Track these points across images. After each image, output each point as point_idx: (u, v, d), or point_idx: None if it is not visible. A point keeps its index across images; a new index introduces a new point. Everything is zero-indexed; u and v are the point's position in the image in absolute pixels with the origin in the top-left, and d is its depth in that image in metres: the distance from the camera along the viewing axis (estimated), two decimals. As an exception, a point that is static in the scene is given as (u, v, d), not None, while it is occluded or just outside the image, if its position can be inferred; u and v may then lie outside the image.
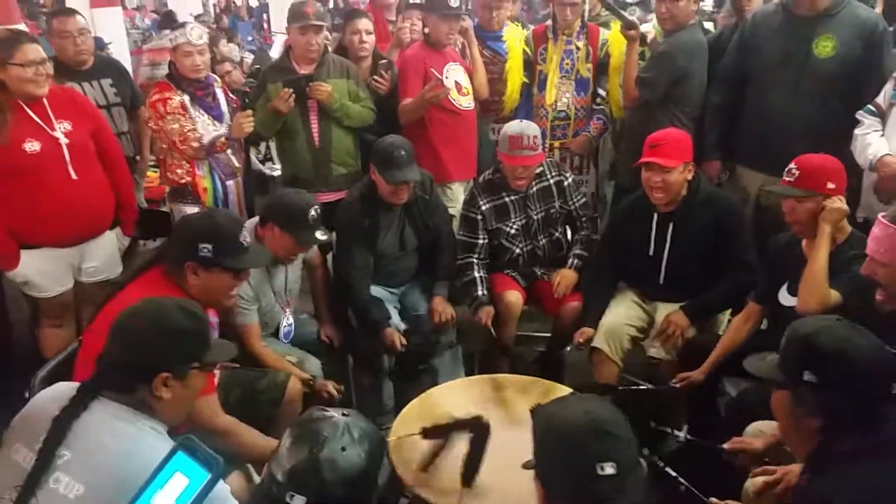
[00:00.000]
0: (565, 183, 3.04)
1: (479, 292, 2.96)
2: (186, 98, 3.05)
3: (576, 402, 1.30)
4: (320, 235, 2.57)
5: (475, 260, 3.01)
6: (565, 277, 2.98)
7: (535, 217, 3.03)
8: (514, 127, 2.87)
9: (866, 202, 2.73)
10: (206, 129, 3.08)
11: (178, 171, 3.06)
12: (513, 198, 2.99)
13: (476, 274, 2.99)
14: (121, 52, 6.50)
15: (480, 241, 3.02)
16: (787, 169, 2.23)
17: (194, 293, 1.90)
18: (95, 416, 1.37)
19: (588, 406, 1.24)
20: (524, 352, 3.30)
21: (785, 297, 2.30)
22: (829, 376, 1.36)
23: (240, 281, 2.04)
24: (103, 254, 2.93)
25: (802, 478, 1.50)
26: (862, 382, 1.34)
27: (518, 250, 3.07)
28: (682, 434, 2.75)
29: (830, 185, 2.16)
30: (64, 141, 2.65)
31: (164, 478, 0.87)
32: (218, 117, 3.16)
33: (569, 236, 3.17)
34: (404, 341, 2.81)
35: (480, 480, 1.84)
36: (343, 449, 1.12)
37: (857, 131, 2.69)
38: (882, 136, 2.62)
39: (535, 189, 3.00)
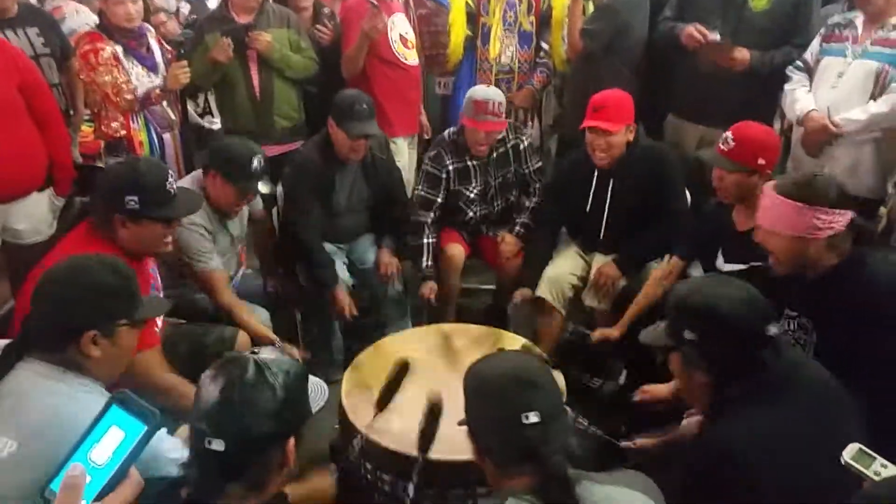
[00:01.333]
0: (521, 146, 3.05)
1: (426, 263, 2.98)
2: (119, 49, 2.92)
3: (500, 357, 1.35)
4: (263, 187, 2.53)
5: (428, 221, 3.01)
6: (509, 243, 3.03)
7: (493, 183, 3.05)
8: (479, 92, 2.86)
9: (795, 155, 2.83)
10: (141, 80, 2.97)
11: (113, 124, 2.95)
12: (475, 163, 3.00)
13: (426, 240, 3.00)
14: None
15: (439, 200, 3.02)
16: (723, 137, 2.26)
17: (126, 245, 1.87)
18: (23, 375, 1.36)
19: (511, 360, 1.31)
20: (470, 304, 3.35)
21: (721, 264, 2.37)
22: (706, 331, 1.44)
23: (171, 229, 2.00)
24: (31, 215, 2.80)
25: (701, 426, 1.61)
26: (736, 331, 1.42)
27: (472, 213, 3.10)
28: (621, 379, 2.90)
29: (761, 161, 2.19)
30: None
31: (100, 432, 0.86)
32: (152, 68, 3.04)
33: (522, 200, 3.21)
34: (355, 312, 2.83)
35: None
36: (254, 386, 1.12)
37: (786, 86, 2.77)
38: (809, 91, 2.71)
39: (495, 155, 3.01)
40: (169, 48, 3.19)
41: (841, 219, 1.72)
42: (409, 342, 2.43)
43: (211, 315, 2.48)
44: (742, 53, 2.83)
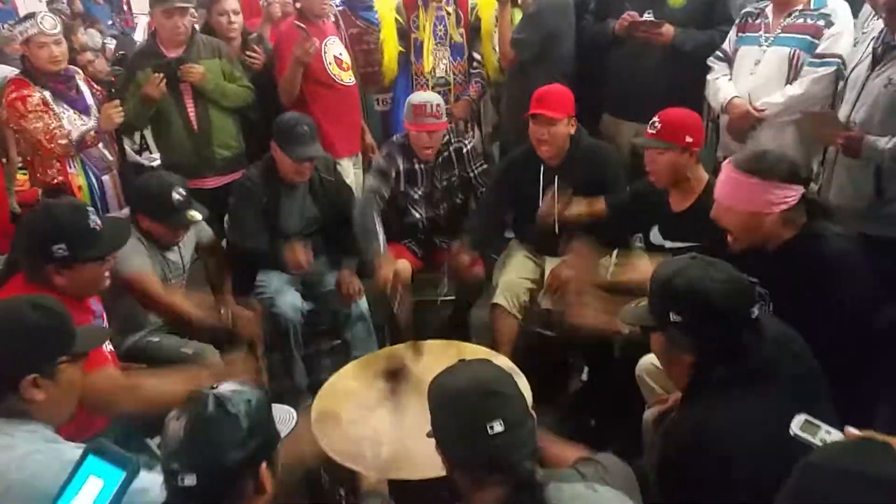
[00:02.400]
0: (465, 149, 3.11)
1: (379, 242, 2.92)
2: (47, 93, 2.88)
3: (462, 368, 1.34)
4: (194, 215, 2.50)
5: (374, 207, 2.99)
6: (462, 259, 3.01)
7: (438, 185, 3.10)
8: (417, 96, 2.96)
9: (724, 142, 2.96)
10: (73, 124, 2.92)
11: (49, 171, 2.90)
12: (422, 166, 3.06)
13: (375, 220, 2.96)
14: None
15: (386, 194, 3.04)
16: (650, 122, 2.35)
17: (66, 292, 1.82)
18: None
19: (473, 371, 1.31)
20: (431, 318, 3.38)
21: (657, 238, 2.46)
22: (691, 314, 1.45)
23: (107, 264, 1.95)
24: None
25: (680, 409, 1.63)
26: (720, 314, 1.43)
27: (418, 215, 3.14)
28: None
29: (689, 139, 2.27)
30: None
31: (79, 483, 0.87)
32: (84, 110, 3.00)
33: (469, 204, 3.26)
34: (310, 258, 2.81)
35: (398, 447, 1.91)
36: (215, 420, 1.14)
37: (708, 76, 2.90)
38: (730, 79, 2.83)
39: (440, 159, 3.06)
40: (98, 88, 3.15)
41: (793, 193, 1.79)
42: (368, 366, 2.42)
43: (174, 358, 2.44)
44: (667, 28, 2.98)
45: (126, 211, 2.58)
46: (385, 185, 3.04)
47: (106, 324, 2.08)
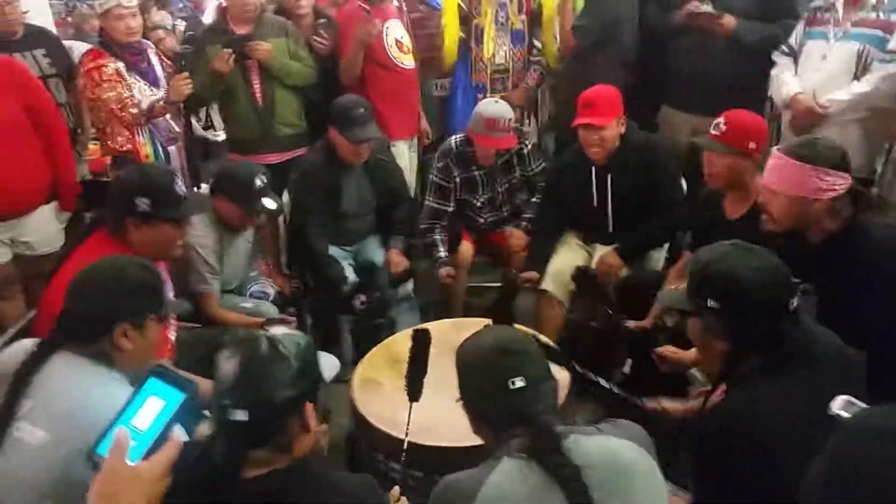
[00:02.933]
0: (525, 150, 3.10)
1: (441, 253, 3.05)
2: (121, 64, 3.00)
3: (486, 332, 1.41)
4: (269, 204, 2.60)
5: (439, 226, 3.09)
6: (517, 237, 3.08)
7: (500, 190, 3.12)
8: (489, 109, 2.88)
9: (785, 137, 2.89)
10: (143, 94, 3.05)
11: (119, 138, 3.03)
12: (481, 172, 3.06)
13: (437, 237, 3.08)
14: (44, 22, 6.23)
15: (449, 210, 3.10)
16: (714, 122, 2.31)
17: (139, 249, 1.92)
18: (56, 368, 1.43)
19: (496, 333, 1.38)
20: (477, 302, 3.41)
21: None
22: (728, 301, 1.44)
23: (182, 230, 2.07)
24: (40, 228, 2.88)
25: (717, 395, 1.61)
26: (758, 302, 1.42)
27: (482, 220, 3.17)
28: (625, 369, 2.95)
29: (752, 145, 2.24)
30: None
31: (140, 401, 0.93)
32: (154, 82, 3.12)
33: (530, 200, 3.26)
34: (363, 301, 2.90)
35: (432, 417, 1.94)
36: (269, 359, 1.20)
37: (772, 71, 2.85)
38: (795, 75, 2.78)
39: (499, 162, 3.06)
40: (169, 62, 3.27)
41: (842, 181, 1.76)
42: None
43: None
44: (728, 19, 2.94)
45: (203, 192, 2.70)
46: (447, 201, 3.08)
47: (172, 293, 2.19)
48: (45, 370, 1.42)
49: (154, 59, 3.17)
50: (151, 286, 1.55)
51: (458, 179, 3.06)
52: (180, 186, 2.03)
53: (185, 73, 3.05)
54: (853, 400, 1.13)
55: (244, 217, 2.62)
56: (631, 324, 2.64)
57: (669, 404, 1.92)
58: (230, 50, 3.05)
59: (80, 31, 6.28)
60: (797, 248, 1.83)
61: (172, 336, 2.12)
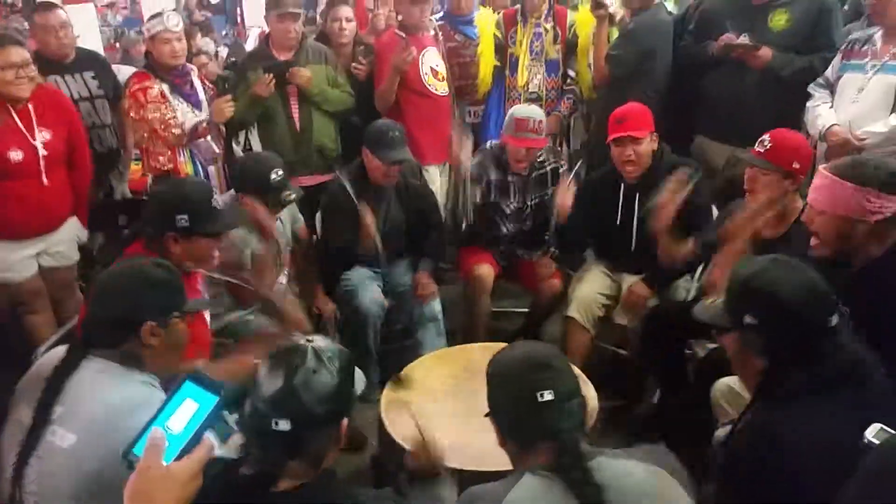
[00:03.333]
0: (561, 170, 3.14)
1: None
2: (165, 87, 3.11)
3: (517, 346, 1.43)
4: (290, 194, 2.64)
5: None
6: (546, 265, 3.09)
7: (529, 203, 3.14)
8: (520, 110, 2.96)
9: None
10: (186, 115, 3.15)
11: (161, 158, 3.12)
12: (514, 179, 3.10)
13: None
14: (94, 47, 6.48)
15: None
16: (760, 139, 2.29)
17: (178, 261, 1.97)
18: (86, 373, 1.47)
19: (527, 347, 1.39)
20: (504, 326, 3.41)
21: None
22: (767, 317, 1.42)
23: (219, 242, 2.12)
24: (67, 239, 3.03)
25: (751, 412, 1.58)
26: (798, 319, 1.40)
27: (505, 230, 3.18)
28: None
29: (796, 165, 2.22)
30: (42, 152, 2.77)
31: (175, 404, 0.96)
32: (196, 105, 3.23)
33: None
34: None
35: (460, 438, 1.95)
36: (314, 371, 1.21)
37: (808, 104, 2.84)
38: (831, 107, 2.76)
39: (535, 175, 3.10)
40: (211, 86, 3.37)
41: (891, 205, 1.72)
42: (442, 361, 2.53)
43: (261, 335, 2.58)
44: (764, 51, 2.94)
45: (231, 193, 2.76)
46: (477, 189, 3.11)
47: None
48: (76, 376, 1.46)
49: (197, 83, 3.28)
50: (173, 284, 1.59)
51: (492, 177, 3.09)
52: (216, 201, 2.10)
53: (228, 96, 3.15)
54: (886, 428, 1.11)
55: (268, 211, 2.63)
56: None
57: None
58: (271, 75, 3.14)
59: (128, 55, 6.52)
60: (837, 271, 1.80)
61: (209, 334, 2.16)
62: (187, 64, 3.29)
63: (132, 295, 1.52)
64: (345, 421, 1.25)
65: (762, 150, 2.26)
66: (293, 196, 2.67)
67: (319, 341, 1.28)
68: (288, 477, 1.20)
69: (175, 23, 3.10)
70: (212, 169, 3.29)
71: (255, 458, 1.18)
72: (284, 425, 1.16)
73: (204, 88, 3.32)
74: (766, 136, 2.28)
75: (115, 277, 1.57)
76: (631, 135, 2.68)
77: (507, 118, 3.00)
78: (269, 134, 3.39)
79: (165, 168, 3.15)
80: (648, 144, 2.73)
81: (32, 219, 2.84)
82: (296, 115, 3.30)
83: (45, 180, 2.80)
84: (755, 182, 2.29)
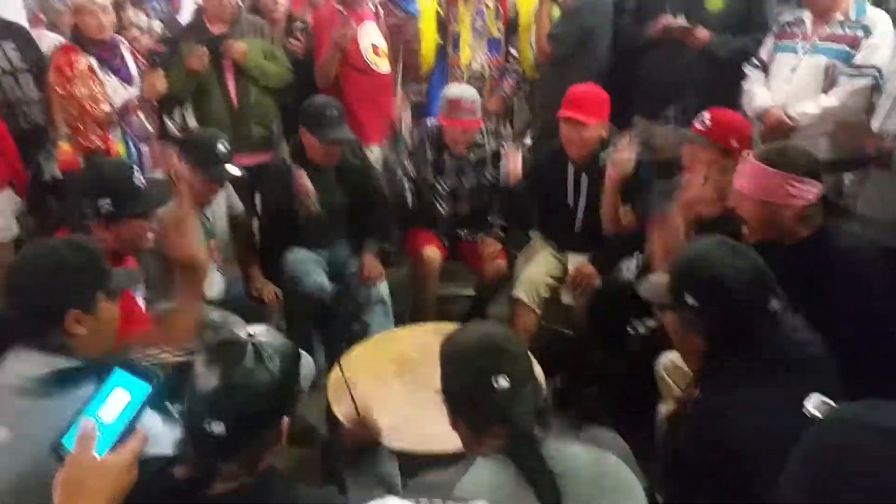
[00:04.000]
0: (501, 152, 3.11)
1: None
2: (93, 60, 2.96)
3: (472, 327, 1.39)
4: (232, 169, 2.57)
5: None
6: (490, 245, 3.08)
7: (465, 184, 3.12)
8: (453, 90, 2.94)
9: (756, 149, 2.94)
10: (116, 91, 3.01)
11: (92, 136, 2.98)
12: (451, 160, 3.07)
13: None
14: (16, 18, 6.13)
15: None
16: (700, 116, 2.32)
17: (111, 247, 1.88)
18: (11, 366, 1.37)
19: (483, 329, 1.35)
20: (450, 309, 3.40)
21: None
22: (707, 299, 1.43)
23: (149, 221, 2.01)
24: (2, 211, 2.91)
25: (696, 392, 1.60)
26: (737, 302, 1.41)
27: (442, 211, 3.16)
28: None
29: (734, 144, 2.24)
30: None
31: (105, 393, 0.91)
32: (127, 79, 3.09)
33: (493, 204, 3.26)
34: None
35: (403, 419, 1.95)
36: (252, 371, 1.14)
37: (744, 84, 2.89)
38: (766, 87, 2.83)
39: (473, 157, 3.07)
40: (143, 59, 3.23)
41: (813, 189, 1.77)
42: (395, 340, 2.51)
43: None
44: (702, 32, 2.99)
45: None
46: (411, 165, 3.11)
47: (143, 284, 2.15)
48: (0, 370, 1.37)
49: (128, 56, 3.14)
50: (90, 263, 1.46)
51: (429, 156, 3.07)
52: (139, 178, 1.98)
53: (160, 71, 3.02)
54: (826, 399, 1.14)
55: (207, 186, 2.55)
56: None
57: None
58: (205, 48, 3.03)
59: (55, 28, 6.17)
60: (767, 251, 1.86)
61: (142, 304, 2.06)
62: (116, 36, 3.14)
63: (48, 282, 1.40)
64: (285, 420, 1.19)
65: (702, 128, 2.29)
66: (235, 172, 2.58)
67: (262, 336, 1.20)
68: (222, 479, 1.14)
69: None
70: (145, 148, 3.16)
71: (189, 461, 1.13)
72: (218, 428, 1.09)
73: (135, 62, 3.17)
74: (705, 114, 2.31)
75: (28, 265, 1.43)
76: (577, 118, 2.69)
77: (440, 98, 2.97)
78: (205, 111, 3.28)
79: (96, 147, 3.00)
80: (596, 131, 2.73)
81: None
82: (232, 92, 3.20)
83: None
84: (693, 159, 2.31)
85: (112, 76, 3.02)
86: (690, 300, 1.46)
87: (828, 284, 1.73)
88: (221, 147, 2.52)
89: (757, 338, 1.42)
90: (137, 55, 3.24)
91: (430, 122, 3.14)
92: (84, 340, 1.42)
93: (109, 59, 3.03)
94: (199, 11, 3.27)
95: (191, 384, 1.14)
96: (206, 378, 1.12)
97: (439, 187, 3.12)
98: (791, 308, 1.79)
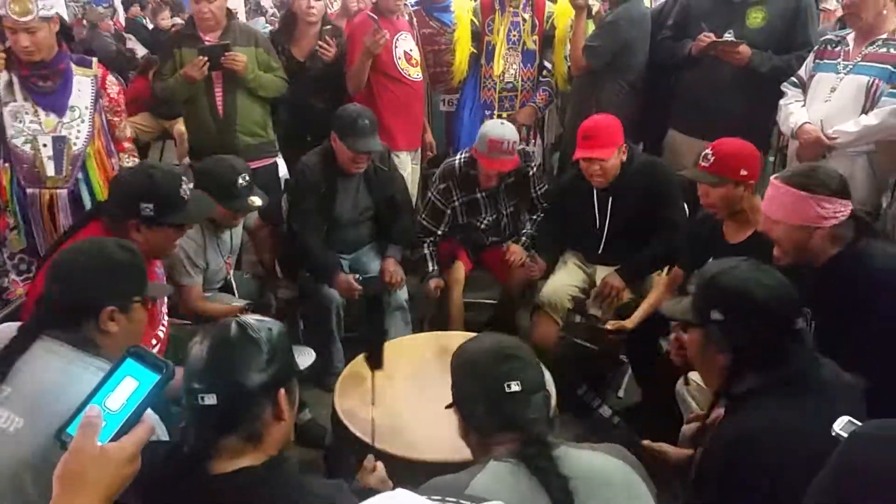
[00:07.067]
0: (531, 173, 3.08)
1: (430, 268, 3.06)
2: (15, 78, 2.50)
3: (484, 337, 1.42)
4: (256, 201, 2.58)
5: (428, 241, 3.10)
6: (515, 252, 3.05)
7: (504, 212, 3.11)
8: (495, 130, 2.83)
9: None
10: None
11: None
12: (483, 195, 3.05)
13: (427, 251, 3.08)
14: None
15: (440, 232, 3.10)
16: (703, 154, 2.30)
17: (138, 248, 1.89)
18: (36, 355, 1.39)
19: (494, 338, 1.38)
20: (474, 317, 3.38)
21: None
22: (734, 314, 1.43)
23: (182, 232, 2.07)
24: None
25: (720, 411, 1.59)
26: (764, 319, 1.40)
27: (487, 242, 3.18)
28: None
29: (743, 172, 2.21)
30: None
31: (115, 382, 0.90)
32: (56, 108, 2.54)
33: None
34: (359, 287, 2.87)
35: (405, 424, 1.93)
36: (235, 343, 1.18)
37: (781, 101, 2.84)
38: (803, 105, 2.77)
39: (503, 186, 3.04)
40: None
41: (843, 209, 1.75)
42: (406, 349, 2.49)
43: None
44: (744, 48, 2.94)
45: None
46: (438, 223, 3.10)
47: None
48: (26, 357, 1.38)
49: (84, 83, 2.62)
50: (136, 268, 1.52)
51: (458, 203, 3.05)
52: (185, 191, 2.02)
53: None
54: (854, 421, 1.11)
55: (230, 216, 2.59)
56: (610, 325, 2.63)
57: (669, 449, 1.80)
58: (205, 57, 2.99)
59: (97, 30, 6.33)
60: (800, 274, 1.81)
61: (162, 332, 2.08)
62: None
63: (94, 278, 1.44)
64: (282, 392, 1.21)
65: (707, 165, 2.27)
66: (258, 203, 2.60)
67: (248, 315, 1.26)
68: (225, 455, 1.17)
69: (22, 10, 2.36)
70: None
71: (188, 437, 1.16)
72: (210, 399, 1.14)
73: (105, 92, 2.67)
74: (708, 150, 2.28)
75: (76, 257, 1.48)
76: (594, 157, 2.65)
77: (480, 134, 2.88)
78: (191, 117, 3.27)
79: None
80: (616, 158, 2.69)
81: None
82: (219, 100, 3.13)
83: None
84: (708, 196, 2.30)
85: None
86: (716, 315, 1.45)
87: (860, 303, 1.70)
88: (242, 181, 2.51)
89: (782, 354, 1.41)
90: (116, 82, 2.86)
91: (458, 160, 3.04)
92: (112, 339, 1.45)
93: (35, 81, 2.53)
94: (192, 18, 3.22)
95: (186, 366, 1.20)
96: (197, 355, 1.19)
97: (479, 224, 3.12)
98: (820, 329, 1.76)
